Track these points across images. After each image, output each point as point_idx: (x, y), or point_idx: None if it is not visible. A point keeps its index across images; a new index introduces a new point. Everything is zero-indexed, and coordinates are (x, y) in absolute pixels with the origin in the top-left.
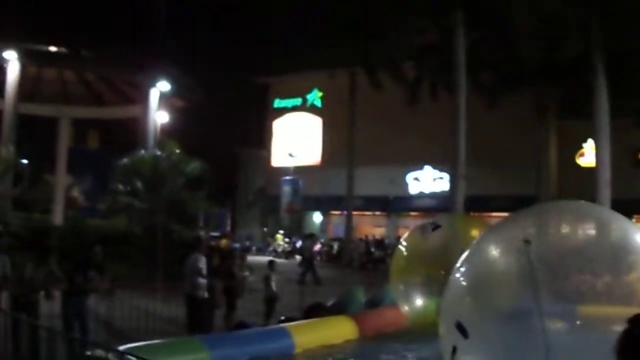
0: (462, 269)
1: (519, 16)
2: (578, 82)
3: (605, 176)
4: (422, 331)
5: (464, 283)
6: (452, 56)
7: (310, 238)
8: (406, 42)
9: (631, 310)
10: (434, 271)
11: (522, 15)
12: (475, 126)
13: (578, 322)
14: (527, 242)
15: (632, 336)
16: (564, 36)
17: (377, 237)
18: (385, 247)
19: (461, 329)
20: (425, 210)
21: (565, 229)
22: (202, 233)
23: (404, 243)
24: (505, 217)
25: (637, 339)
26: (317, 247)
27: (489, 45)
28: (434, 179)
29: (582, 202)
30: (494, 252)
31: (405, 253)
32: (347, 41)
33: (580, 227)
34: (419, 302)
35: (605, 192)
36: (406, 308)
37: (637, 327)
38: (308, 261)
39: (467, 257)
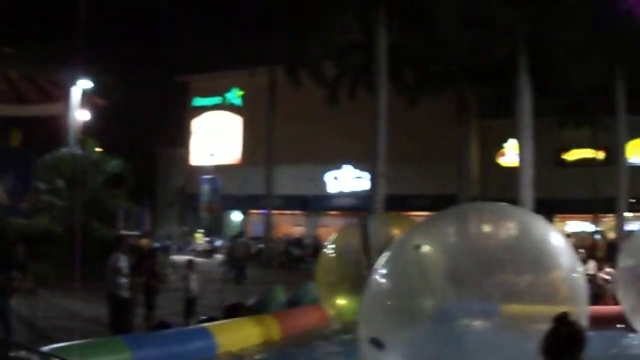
0: (384, 270)
1: (443, 16)
2: (501, 82)
3: (528, 176)
4: (344, 331)
5: (385, 284)
6: (373, 55)
7: (239, 238)
8: (328, 40)
9: (553, 309)
10: (358, 271)
11: (447, 15)
12: (396, 125)
13: (500, 321)
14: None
15: (558, 335)
16: (490, 37)
17: (297, 236)
18: (304, 246)
19: (376, 343)
20: (345, 210)
21: (487, 230)
22: (123, 232)
23: (330, 243)
24: (426, 218)
25: (563, 338)
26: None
27: (412, 45)
28: (354, 178)
29: (503, 204)
30: (416, 254)
31: (330, 253)
32: (268, 39)
33: (502, 227)
34: (341, 302)
35: (528, 191)
36: (329, 308)
37: (563, 325)
38: (238, 260)
39: (389, 258)
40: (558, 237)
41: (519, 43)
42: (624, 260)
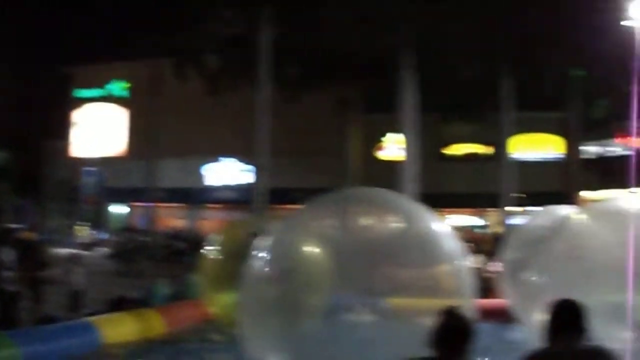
0: (265, 265)
1: (328, 11)
2: (385, 77)
3: (412, 170)
4: (227, 326)
5: (265, 277)
6: (257, 49)
7: (128, 231)
8: (212, 33)
9: (438, 302)
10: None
11: (332, 10)
12: (278, 118)
13: (387, 314)
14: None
15: (445, 328)
16: (374, 32)
17: (179, 229)
18: (187, 239)
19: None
20: (227, 203)
21: (370, 221)
22: (8, 225)
23: (216, 237)
24: (303, 207)
25: (450, 331)
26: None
27: (295, 39)
28: (236, 171)
29: (384, 190)
30: (296, 245)
31: (215, 248)
32: (153, 31)
33: (386, 219)
34: (225, 297)
35: (412, 186)
36: (212, 303)
37: (451, 318)
38: (128, 253)
39: (270, 249)
40: (444, 229)
41: (403, 38)
42: (508, 254)
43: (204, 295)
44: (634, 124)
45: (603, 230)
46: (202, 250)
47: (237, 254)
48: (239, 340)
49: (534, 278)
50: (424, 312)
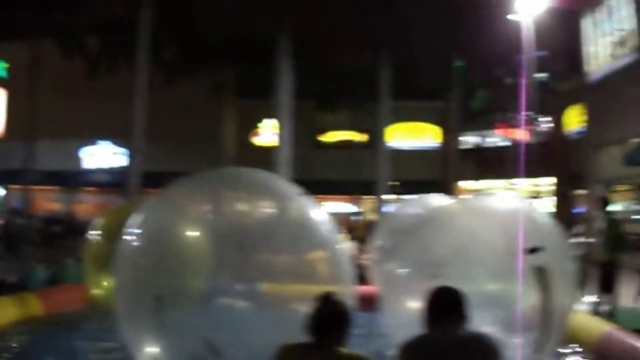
0: (134, 246)
1: None
2: (262, 62)
3: (286, 156)
4: (106, 311)
5: (142, 263)
6: (135, 31)
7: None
8: (93, 14)
9: (313, 289)
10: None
11: None
12: (154, 101)
13: (262, 300)
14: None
15: (321, 314)
16: (252, 17)
17: (55, 212)
18: (63, 222)
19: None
20: (102, 186)
21: (244, 205)
22: None
23: (99, 220)
24: (174, 187)
25: (327, 317)
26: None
27: (173, 23)
28: (111, 154)
29: (259, 171)
30: (170, 228)
31: (98, 231)
32: (33, 10)
33: (260, 203)
34: (105, 281)
35: (286, 172)
36: (94, 287)
37: (327, 304)
38: (12, 236)
39: (142, 232)
40: (320, 214)
41: (281, 24)
42: (378, 242)
43: (85, 279)
44: (525, 115)
45: (471, 221)
46: (85, 234)
47: (119, 237)
48: (115, 326)
49: (398, 266)
50: (300, 298)
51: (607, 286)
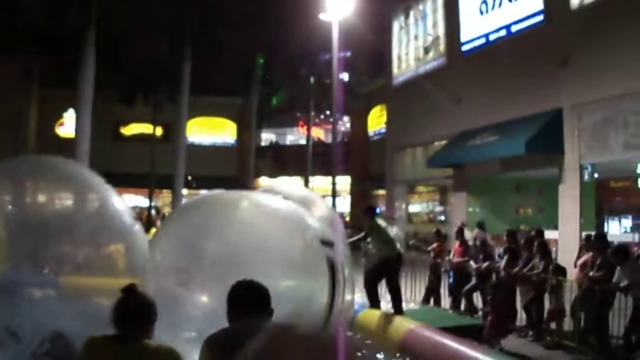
0: None
1: None
2: (66, 52)
3: (85, 147)
4: None
5: None
6: None
7: None
8: None
9: (112, 282)
10: None
11: None
12: None
13: (62, 293)
14: None
15: (128, 306)
16: (62, 5)
17: None
18: None
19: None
20: None
21: (44, 195)
22: None
23: None
24: None
25: (133, 309)
26: None
27: None
28: None
29: (62, 160)
30: None
31: None
32: None
33: (60, 194)
34: None
35: (84, 162)
36: None
37: (130, 296)
38: None
39: None
40: (120, 205)
41: (88, 16)
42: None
43: None
44: (334, 114)
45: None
46: None
47: None
48: None
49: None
50: (97, 291)
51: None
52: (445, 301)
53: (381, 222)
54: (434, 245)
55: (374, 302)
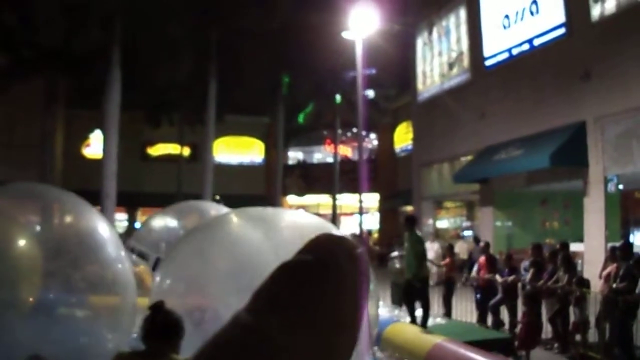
0: None
1: (39, 1)
2: (91, 73)
3: (112, 168)
4: None
5: None
6: None
7: None
8: None
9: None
10: None
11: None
12: None
13: (90, 312)
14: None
15: (156, 322)
16: (85, 26)
17: None
18: None
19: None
20: None
21: (69, 218)
22: None
23: None
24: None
25: (161, 325)
26: None
27: (6, 27)
28: None
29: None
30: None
31: None
32: None
33: (82, 216)
34: None
35: (112, 183)
36: None
37: (158, 313)
38: None
39: None
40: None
41: (113, 36)
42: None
43: None
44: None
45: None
46: None
47: None
48: None
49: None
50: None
51: (407, 300)
52: (468, 314)
53: (420, 234)
54: (447, 260)
55: (413, 317)
